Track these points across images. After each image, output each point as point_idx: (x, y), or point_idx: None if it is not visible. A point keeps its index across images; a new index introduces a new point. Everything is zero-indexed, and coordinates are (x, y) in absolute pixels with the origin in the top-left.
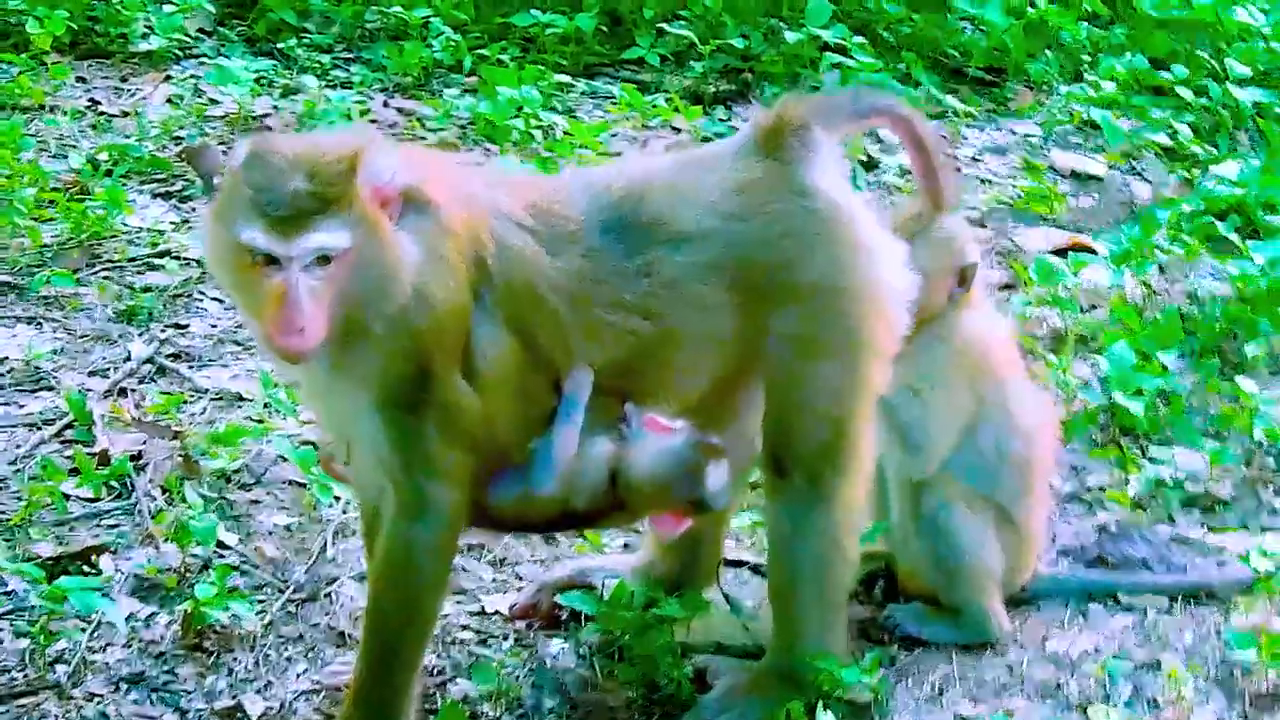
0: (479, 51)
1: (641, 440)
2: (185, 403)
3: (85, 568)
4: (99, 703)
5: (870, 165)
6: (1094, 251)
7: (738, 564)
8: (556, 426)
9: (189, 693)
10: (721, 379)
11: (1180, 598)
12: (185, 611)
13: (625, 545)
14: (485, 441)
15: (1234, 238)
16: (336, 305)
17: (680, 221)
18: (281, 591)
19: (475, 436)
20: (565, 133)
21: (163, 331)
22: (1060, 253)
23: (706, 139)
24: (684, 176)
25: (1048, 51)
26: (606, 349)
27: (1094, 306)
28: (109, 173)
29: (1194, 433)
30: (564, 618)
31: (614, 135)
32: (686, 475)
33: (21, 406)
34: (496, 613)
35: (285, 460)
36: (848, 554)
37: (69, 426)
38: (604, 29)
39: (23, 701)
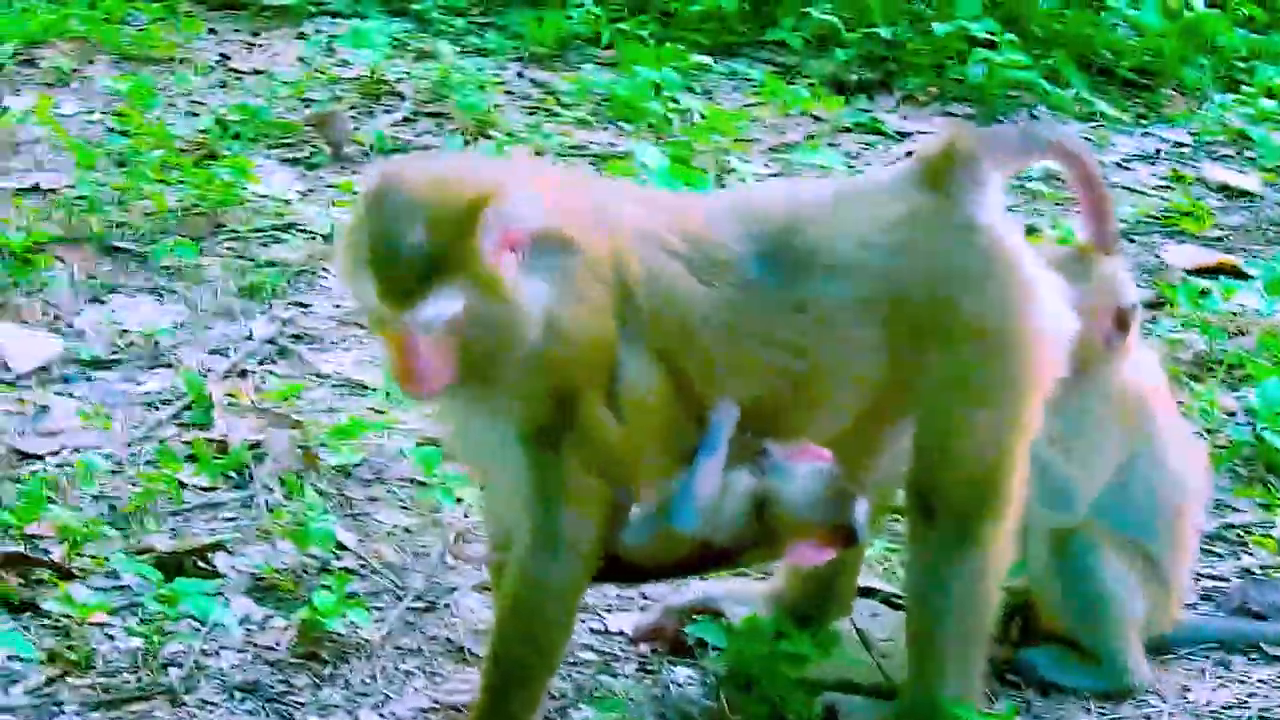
0: (618, 25)
1: (787, 471)
2: (306, 389)
3: (200, 564)
4: (211, 711)
5: None
6: (1243, 274)
7: (869, 592)
8: (700, 460)
9: (303, 705)
10: (865, 418)
11: None
12: (302, 619)
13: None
14: (625, 474)
15: None
16: (461, 353)
17: (839, 255)
18: (400, 599)
19: (615, 468)
20: (703, 117)
21: (285, 310)
22: (1208, 273)
23: (846, 129)
24: (843, 207)
25: (1202, 57)
26: (753, 384)
27: (1241, 333)
28: (236, 135)
29: None
30: (690, 643)
31: (753, 122)
32: (836, 502)
33: (140, 384)
34: (620, 633)
35: (406, 456)
36: (991, 599)
37: (187, 408)
38: (746, 7)
39: (135, 707)
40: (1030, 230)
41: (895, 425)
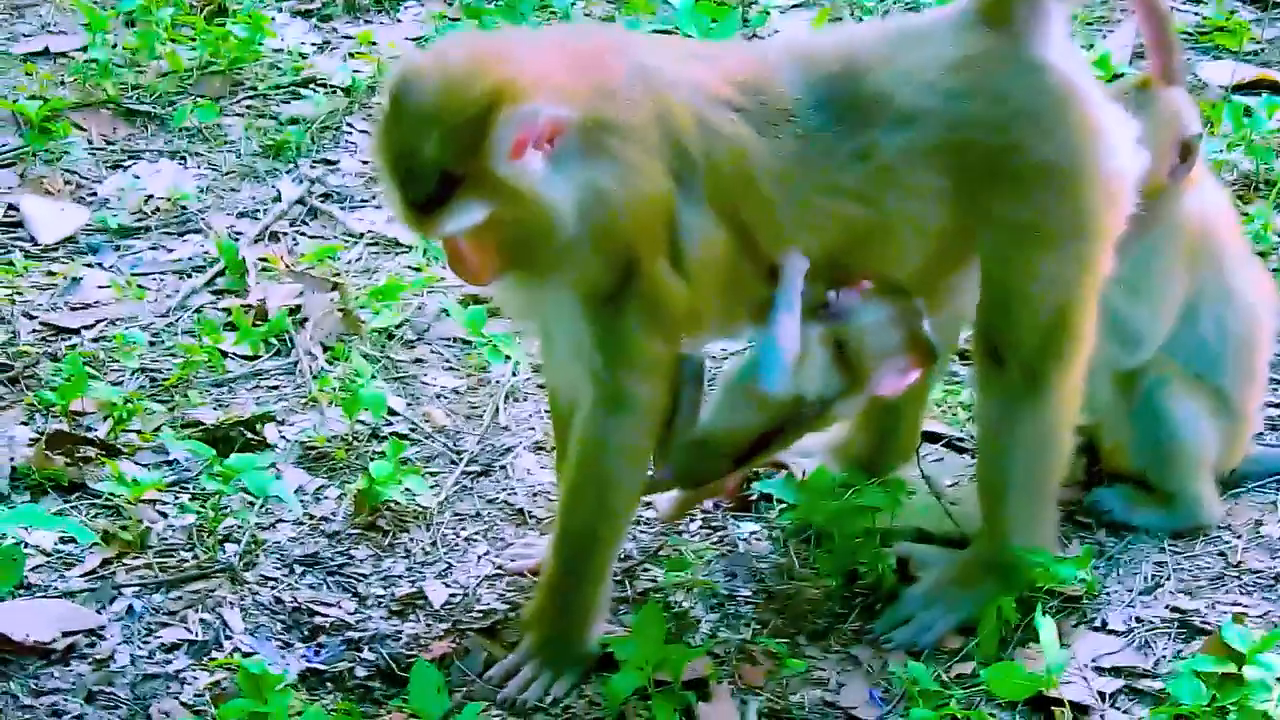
0: None
1: (852, 310)
2: (340, 250)
3: (249, 435)
4: (273, 587)
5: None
6: None
7: (932, 437)
8: (777, 319)
9: (366, 576)
10: (932, 265)
11: None
12: (359, 489)
13: None
14: (692, 331)
15: None
16: (503, 247)
17: (901, 100)
18: (455, 464)
19: (681, 327)
20: None
21: (312, 168)
22: (1248, 89)
23: None
24: (903, 50)
25: None
26: (818, 235)
27: None
28: None
29: None
30: (753, 498)
31: None
32: (905, 322)
33: (170, 251)
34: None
35: (448, 315)
36: (1063, 444)
37: (220, 274)
38: None
39: (195, 586)
40: None
41: (962, 270)
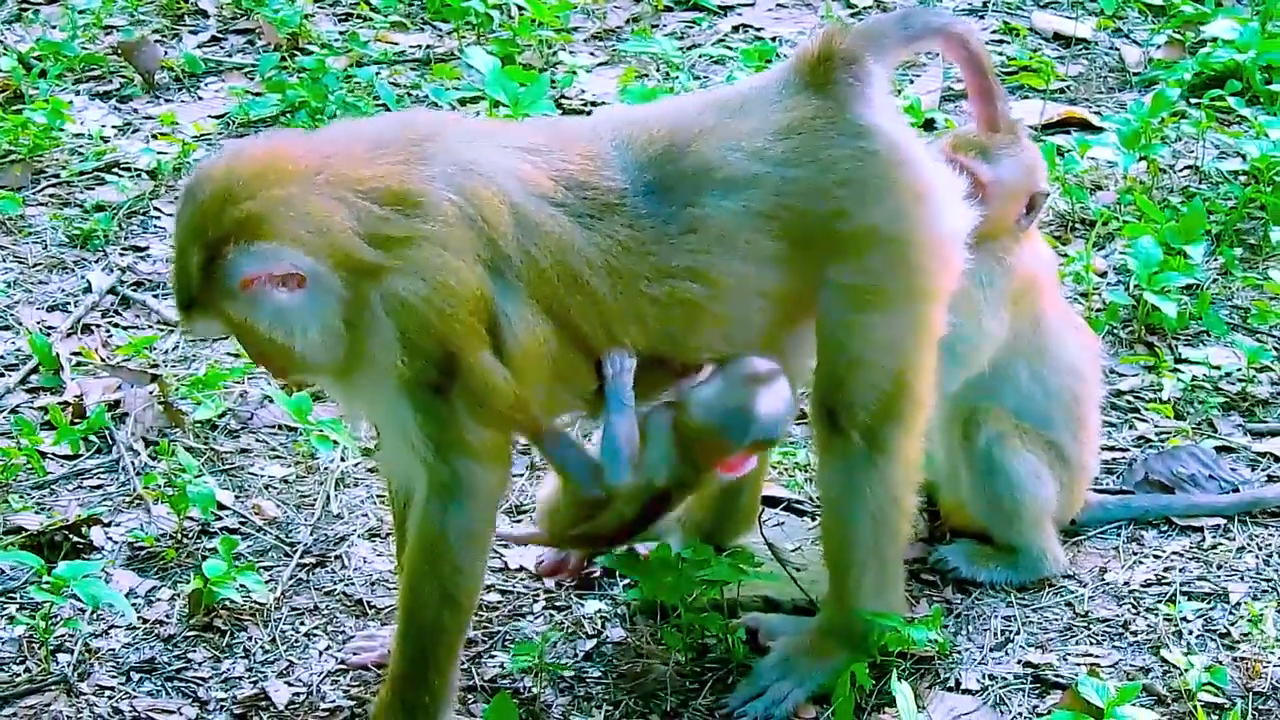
0: None
1: (692, 395)
2: (156, 340)
3: (74, 538)
4: (110, 697)
5: (929, 125)
6: (1091, 125)
7: (772, 501)
8: (611, 418)
9: (205, 680)
10: (769, 332)
11: (1235, 516)
12: (194, 589)
13: None
14: (522, 420)
15: (1246, 111)
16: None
17: (728, 168)
18: (289, 556)
19: (510, 415)
20: (522, 9)
21: (121, 256)
22: (1057, 127)
23: (668, 8)
24: (727, 120)
25: None
26: (651, 322)
27: (1099, 188)
28: (43, 73)
29: (1224, 327)
30: (596, 574)
31: (574, 10)
32: (740, 414)
33: None
34: (521, 569)
35: (272, 401)
36: (906, 508)
37: (34, 372)
38: None
39: (29, 702)
40: None
41: (795, 336)
